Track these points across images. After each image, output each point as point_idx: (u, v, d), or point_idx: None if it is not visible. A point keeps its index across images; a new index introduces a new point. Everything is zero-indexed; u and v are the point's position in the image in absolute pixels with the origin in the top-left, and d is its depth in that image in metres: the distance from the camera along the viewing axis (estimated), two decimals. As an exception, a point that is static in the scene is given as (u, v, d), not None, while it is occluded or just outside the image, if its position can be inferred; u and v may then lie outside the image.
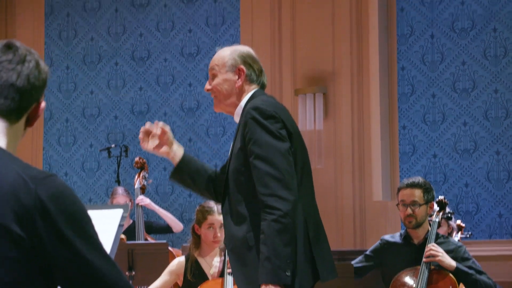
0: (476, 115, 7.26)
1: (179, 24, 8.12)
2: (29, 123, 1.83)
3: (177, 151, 3.26)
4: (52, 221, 1.65)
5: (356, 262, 4.66)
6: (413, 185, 4.54)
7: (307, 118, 7.50)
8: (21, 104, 1.76)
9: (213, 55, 3.29)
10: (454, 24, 7.42)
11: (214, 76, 3.18)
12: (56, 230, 1.65)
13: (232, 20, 8.02)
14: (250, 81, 3.17)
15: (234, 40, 7.94)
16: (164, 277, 4.66)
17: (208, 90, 3.20)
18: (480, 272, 4.41)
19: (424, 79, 7.44)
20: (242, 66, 3.16)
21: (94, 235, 1.70)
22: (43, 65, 1.82)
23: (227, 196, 3.11)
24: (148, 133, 3.22)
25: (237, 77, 3.16)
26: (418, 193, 4.52)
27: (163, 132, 3.21)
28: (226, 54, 3.21)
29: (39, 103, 1.81)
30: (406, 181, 4.63)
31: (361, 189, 7.40)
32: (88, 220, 1.69)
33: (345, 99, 7.53)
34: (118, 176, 7.44)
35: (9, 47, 1.78)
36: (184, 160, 3.26)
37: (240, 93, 3.17)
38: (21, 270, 1.64)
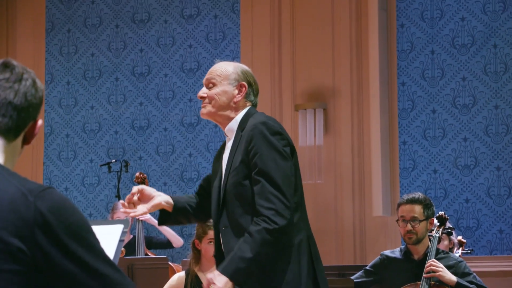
0: (477, 130, 7.26)
1: (180, 39, 8.14)
2: (26, 141, 1.84)
3: (161, 198, 3.30)
4: (53, 233, 1.66)
5: (356, 277, 4.64)
6: (413, 201, 4.52)
7: (307, 134, 7.50)
8: (18, 122, 1.78)
9: None
10: (454, 40, 7.44)
11: (213, 85, 3.21)
12: (58, 242, 1.66)
13: (233, 36, 8.04)
14: (247, 98, 3.22)
15: (235, 56, 7.96)
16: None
17: (202, 97, 3.21)
18: (481, 287, 4.39)
19: (425, 94, 7.45)
20: (244, 83, 3.22)
21: (97, 244, 1.71)
22: (39, 83, 1.85)
23: (225, 209, 3.11)
24: (130, 202, 3.23)
25: (237, 91, 3.20)
26: (418, 209, 4.50)
27: (141, 193, 3.22)
28: (230, 68, 3.25)
29: (35, 121, 1.83)
30: (406, 196, 4.61)
31: (361, 204, 7.40)
32: (89, 230, 1.71)
33: (345, 114, 7.53)
34: (118, 191, 7.43)
35: (6, 65, 1.81)
36: (173, 205, 3.31)
37: (236, 108, 3.20)
38: (21, 284, 1.65)
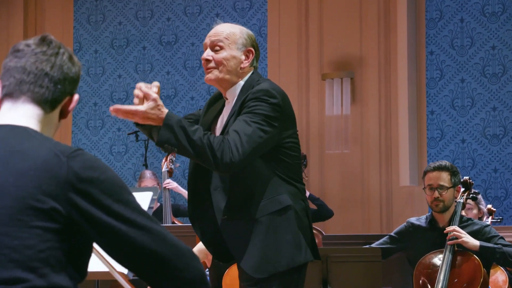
0: (506, 100, 7.19)
1: (207, 8, 8.12)
2: (62, 115, 1.90)
3: None
4: (87, 191, 1.72)
5: (381, 243, 4.64)
6: (439, 168, 4.50)
7: (334, 103, 7.48)
8: (55, 94, 1.85)
9: None
10: (484, 8, 7.33)
11: (221, 49, 3.08)
12: (93, 198, 1.72)
13: (260, 5, 8.00)
14: (251, 63, 3.13)
15: (261, 25, 7.92)
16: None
17: (208, 60, 3.08)
18: (507, 246, 4.37)
19: (453, 63, 7.38)
20: (251, 49, 3.12)
21: (131, 198, 1.76)
22: (76, 59, 1.91)
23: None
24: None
25: (244, 57, 3.10)
26: (445, 176, 4.48)
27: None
28: (237, 31, 3.13)
29: (72, 96, 1.89)
30: (432, 164, 4.59)
31: (388, 174, 7.38)
32: (122, 185, 1.76)
33: (373, 84, 7.49)
34: (145, 160, 7.48)
35: (43, 39, 1.88)
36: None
37: (242, 73, 3.10)
38: (53, 240, 1.70)
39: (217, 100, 3.23)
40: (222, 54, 3.08)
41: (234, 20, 7.95)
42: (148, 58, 8.30)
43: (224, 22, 3.25)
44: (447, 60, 7.40)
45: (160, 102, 2.85)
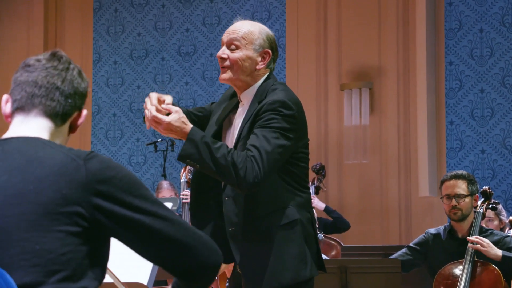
0: (526, 110, 7.15)
1: (225, 19, 8.15)
2: (71, 130, 1.95)
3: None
4: (107, 190, 1.77)
5: (400, 254, 4.61)
6: (456, 177, 4.49)
7: (353, 113, 7.47)
8: (65, 107, 1.89)
9: None
10: (504, 18, 7.30)
11: (236, 48, 2.99)
12: (114, 197, 1.77)
13: (278, 15, 8.02)
14: (267, 65, 3.03)
15: (280, 35, 7.94)
16: None
17: (223, 58, 3.00)
18: None
19: (473, 74, 7.35)
20: (269, 50, 3.01)
21: (148, 193, 1.82)
22: (84, 75, 1.96)
23: None
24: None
25: (260, 59, 3.00)
26: (462, 185, 4.46)
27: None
28: (255, 30, 3.01)
29: (80, 111, 1.94)
30: (449, 173, 4.58)
31: (406, 184, 7.35)
32: (138, 181, 1.82)
33: (392, 94, 7.47)
34: (164, 170, 7.50)
35: (54, 55, 1.92)
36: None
37: (257, 75, 3.02)
38: (74, 244, 1.74)
39: (232, 97, 3.16)
40: (237, 54, 2.99)
41: (252, 31, 7.96)
42: (167, 69, 8.34)
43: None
44: (466, 70, 7.37)
45: (183, 115, 2.81)
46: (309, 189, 3.06)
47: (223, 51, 3.01)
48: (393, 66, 7.47)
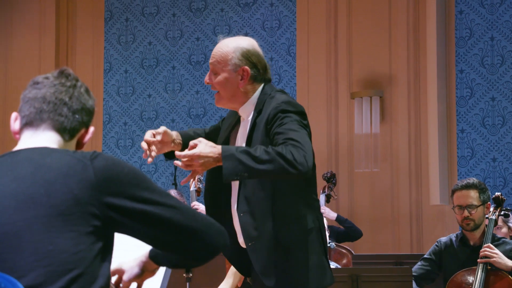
0: (537, 118, 7.12)
1: (236, 28, 8.17)
2: (78, 146, 2.00)
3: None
4: (116, 186, 1.83)
5: (418, 268, 4.56)
6: (468, 187, 4.44)
7: (363, 122, 7.46)
8: (73, 123, 1.94)
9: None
10: (514, 26, 7.29)
11: (216, 73, 2.98)
12: (123, 192, 1.83)
13: (289, 24, 8.03)
14: (253, 80, 2.96)
15: (290, 44, 7.94)
16: (229, 279, 4.67)
17: (208, 83, 3.02)
18: None
19: (484, 82, 7.33)
20: (246, 67, 2.95)
21: (154, 185, 1.88)
22: (92, 94, 2.02)
23: (243, 194, 2.94)
24: (150, 145, 2.95)
25: (240, 77, 2.95)
26: (474, 195, 4.42)
27: (165, 134, 2.98)
28: (229, 50, 2.96)
29: (87, 129, 1.99)
30: (460, 183, 4.53)
31: (418, 193, 7.33)
32: (143, 175, 1.89)
33: (402, 102, 7.46)
34: (175, 179, 7.50)
35: (62, 72, 1.98)
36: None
37: (246, 92, 2.97)
38: (87, 243, 1.80)
39: (232, 115, 3.13)
40: (217, 79, 2.96)
41: (262, 40, 7.98)
42: (178, 78, 8.36)
43: (253, 41, 3.05)
44: (477, 79, 7.35)
45: (206, 141, 2.72)
46: (317, 195, 3.04)
47: (208, 76, 3.01)
48: (404, 75, 7.47)
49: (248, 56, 2.96)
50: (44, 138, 1.91)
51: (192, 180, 6.39)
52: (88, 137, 1.98)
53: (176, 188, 7.34)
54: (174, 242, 1.88)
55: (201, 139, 2.74)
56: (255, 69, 2.96)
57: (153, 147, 2.92)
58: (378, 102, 7.47)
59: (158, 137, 2.94)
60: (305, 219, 2.92)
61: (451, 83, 7.39)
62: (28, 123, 1.93)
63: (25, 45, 8.68)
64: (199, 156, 2.68)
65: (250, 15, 8.16)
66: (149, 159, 2.90)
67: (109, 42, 8.64)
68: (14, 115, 1.98)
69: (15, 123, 1.97)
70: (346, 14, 7.71)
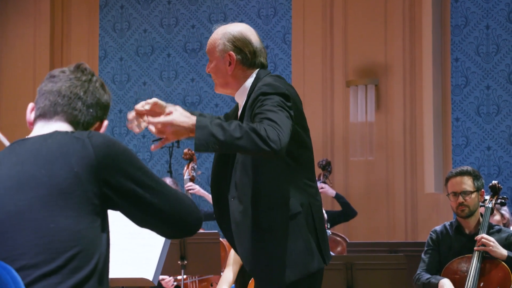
0: (532, 107, 7.13)
1: (231, 15, 8.15)
2: None
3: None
4: (114, 162, 1.89)
5: (430, 260, 4.50)
6: (462, 173, 4.48)
7: (359, 110, 7.47)
8: (87, 117, 1.99)
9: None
10: (510, 15, 7.29)
11: (210, 60, 3.04)
12: (120, 169, 1.89)
13: (284, 12, 8.02)
14: (243, 65, 2.99)
15: (286, 32, 7.93)
16: (231, 267, 4.68)
17: (208, 72, 3.08)
18: None
19: (479, 70, 7.34)
20: (232, 52, 2.98)
21: (142, 163, 1.96)
22: (107, 88, 2.08)
23: (234, 179, 2.96)
24: (141, 116, 2.90)
25: (228, 63, 2.98)
26: (468, 181, 4.45)
27: (155, 105, 2.92)
28: (217, 37, 3.02)
29: (102, 122, 2.04)
30: (454, 170, 4.56)
31: (413, 181, 7.35)
32: (135, 154, 1.97)
33: (397, 90, 7.47)
34: (170, 167, 7.51)
35: (78, 67, 2.04)
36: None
37: (237, 78, 3.00)
38: (88, 221, 1.85)
39: (234, 111, 3.16)
40: (211, 66, 3.03)
41: (258, 28, 7.97)
42: (173, 66, 8.35)
43: (245, 26, 3.08)
44: (472, 67, 7.36)
45: (182, 110, 2.73)
46: (314, 181, 2.99)
47: (207, 65, 3.07)
48: (399, 63, 7.47)
49: (233, 41, 2.99)
50: (56, 127, 1.96)
51: (186, 168, 6.39)
52: (102, 130, 2.02)
53: (171, 176, 7.34)
54: (155, 224, 1.99)
55: (177, 107, 2.76)
56: (242, 54, 2.98)
57: (145, 118, 2.85)
58: (374, 90, 7.47)
59: (147, 107, 2.88)
60: (290, 204, 2.88)
61: (446, 72, 7.40)
62: (42, 114, 1.98)
63: (20, 33, 8.65)
64: (171, 124, 2.67)
65: (245, 2, 8.14)
66: (136, 129, 2.87)
67: (104, 30, 8.62)
68: (30, 106, 2.03)
69: (31, 114, 2.02)
70: (342, 2, 7.70)
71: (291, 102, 2.85)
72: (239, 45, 2.99)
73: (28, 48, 8.60)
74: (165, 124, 2.67)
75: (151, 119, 2.71)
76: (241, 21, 8.11)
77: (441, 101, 7.35)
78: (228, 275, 4.69)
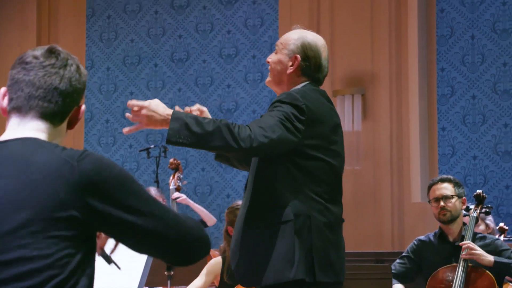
0: (517, 116, 7.17)
1: (218, 25, 8.17)
2: (70, 125, 1.92)
3: None
4: (101, 190, 1.76)
5: (399, 265, 4.58)
6: (442, 180, 4.57)
7: (345, 120, 7.49)
8: (63, 107, 1.87)
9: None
10: (495, 25, 7.34)
11: (276, 52, 3.10)
12: (108, 197, 1.77)
13: (271, 22, 8.04)
14: (302, 72, 3.05)
15: (272, 42, 7.95)
16: (203, 277, 4.68)
17: (267, 62, 3.14)
18: None
19: (464, 80, 7.38)
20: (299, 56, 3.04)
21: (142, 190, 1.82)
22: (82, 68, 1.93)
23: (246, 185, 3.03)
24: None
25: (291, 63, 3.05)
26: (449, 186, 4.54)
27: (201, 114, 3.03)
28: (294, 36, 3.09)
29: (79, 106, 1.92)
30: (435, 179, 4.67)
31: (399, 190, 7.37)
32: (132, 179, 1.82)
33: (384, 100, 7.50)
34: (157, 177, 7.49)
35: (51, 51, 1.90)
36: None
37: (291, 81, 3.05)
38: (69, 247, 1.75)
39: None
40: (273, 58, 3.10)
41: (245, 37, 7.98)
42: (160, 75, 8.35)
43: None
44: (458, 77, 7.40)
45: (163, 104, 2.81)
46: (325, 199, 2.96)
47: (269, 56, 3.14)
48: (386, 73, 7.50)
49: (305, 48, 3.05)
50: (32, 127, 1.85)
51: (171, 178, 6.38)
52: (80, 114, 1.92)
53: (158, 186, 7.33)
54: (155, 250, 1.86)
55: (158, 101, 2.82)
56: (307, 61, 3.04)
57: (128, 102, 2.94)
58: (360, 100, 7.50)
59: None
60: (284, 211, 2.88)
61: (432, 81, 7.43)
62: (16, 108, 1.86)
63: (6, 41, 8.63)
64: (147, 108, 2.76)
65: (232, 12, 8.15)
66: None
67: (91, 39, 8.61)
68: (3, 90, 1.91)
69: (3, 100, 1.89)
70: (328, 12, 7.73)
71: (305, 117, 2.87)
72: (309, 53, 3.05)
73: (14, 56, 8.56)
74: (141, 108, 2.77)
75: (130, 102, 2.82)
76: (228, 31, 8.14)
77: (427, 110, 7.39)
78: (197, 283, 4.68)
